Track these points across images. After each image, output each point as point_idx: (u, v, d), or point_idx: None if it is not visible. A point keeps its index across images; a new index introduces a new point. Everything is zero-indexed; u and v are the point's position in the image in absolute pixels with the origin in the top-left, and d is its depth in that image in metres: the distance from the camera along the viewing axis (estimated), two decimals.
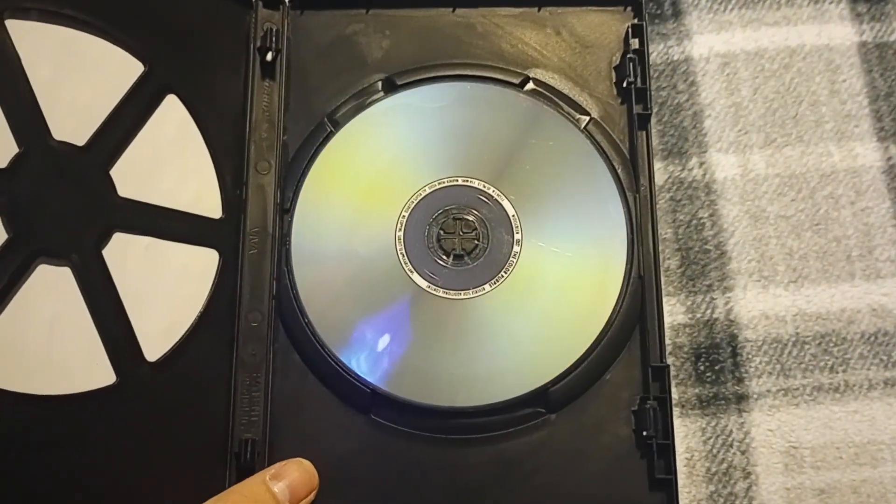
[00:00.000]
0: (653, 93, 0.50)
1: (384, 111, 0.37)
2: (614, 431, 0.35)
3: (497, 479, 0.34)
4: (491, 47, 0.38)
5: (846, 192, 0.48)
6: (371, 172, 0.36)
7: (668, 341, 0.46)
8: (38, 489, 0.28)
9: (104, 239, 0.30)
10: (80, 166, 0.30)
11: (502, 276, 0.35)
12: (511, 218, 0.36)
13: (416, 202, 0.36)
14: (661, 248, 0.47)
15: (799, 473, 0.44)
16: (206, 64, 0.35)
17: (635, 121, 0.37)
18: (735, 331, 0.46)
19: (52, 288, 0.29)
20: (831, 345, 0.46)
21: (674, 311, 0.47)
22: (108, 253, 0.30)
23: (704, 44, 0.51)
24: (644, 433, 0.34)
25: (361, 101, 0.37)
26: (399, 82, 0.37)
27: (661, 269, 0.44)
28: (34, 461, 0.28)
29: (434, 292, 0.35)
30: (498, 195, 0.36)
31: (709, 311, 0.47)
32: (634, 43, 0.38)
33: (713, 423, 0.45)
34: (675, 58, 0.51)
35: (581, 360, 0.35)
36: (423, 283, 0.35)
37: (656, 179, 0.49)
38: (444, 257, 0.35)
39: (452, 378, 0.34)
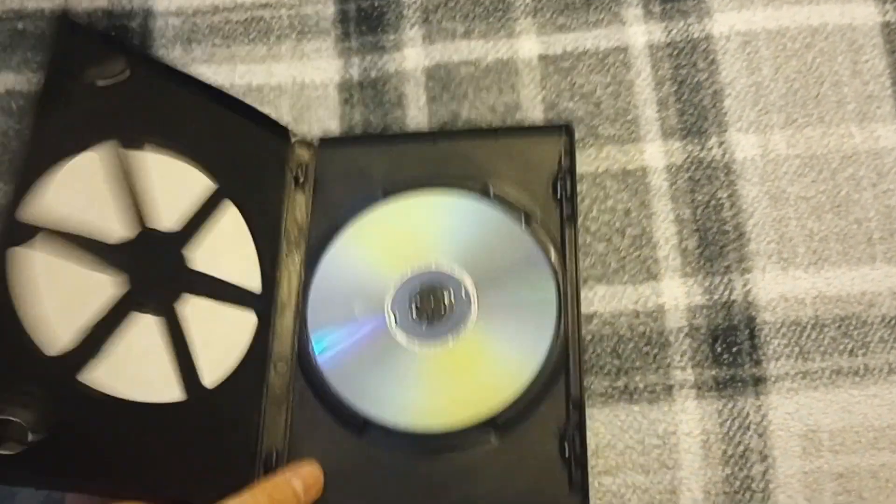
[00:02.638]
0: (672, 70, 0.50)
1: (380, 215, 0.49)
2: (544, 449, 0.43)
3: (457, 484, 0.43)
4: (461, 167, 0.49)
5: (868, 174, 0.47)
6: (368, 259, 0.48)
7: (685, 322, 0.45)
8: (121, 465, 0.39)
9: (179, 297, 0.42)
10: (167, 247, 0.42)
11: (461, 334, 0.45)
12: (469, 291, 0.46)
13: (402, 282, 0.47)
14: (679, 227, 0.47)
15: (817, 457, 0.43)
16: (256, 182, 0.48)
17: (564, 219, 0.46)
18: (753, 313, 0.45)
19: (145, 330, 0.41)
20: (851, 328, 0.45)
21: (691, 293, 0.46)
22: (182, 307, 0.42)
23: (725, 22, 0.50)
24: (566, 453, 0.42)
25: (363, 207, 0.49)
26: (391, 193, 0.49)
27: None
28: (123, 449, 0.38)
29: (411, 346, 0.46)
30: (460, 274, 0.46)
31: (727, 293, 0.46)
32: (566, 161, 0.48)
33: (730, 406, 0.44)
34: (695, 36, 0.50)
35: (521, 395, 0.44)
36: (404, 340, 0.46)
37: (675, 158, 0.48)
38: (420, 320, 0.46)
39: (425, 409, 0.45)
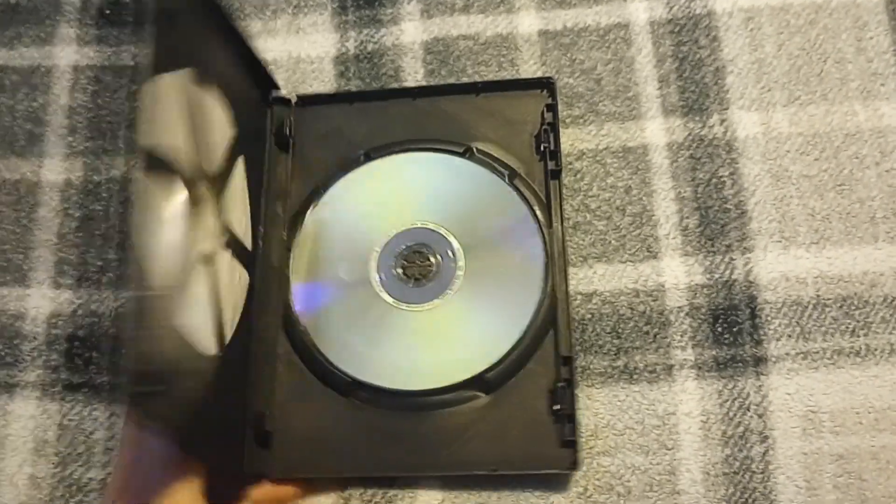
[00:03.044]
0: (674, 47, 0.49)
1: (363, 176, 0.48)
2: (534, 405, 0.43)
3: (446, 441, 0.43)
4: (442, 125, 0.49)
5: (871, 153, 0.47)
6: (352, 220, 0.48)
7: (685, 301, 0.45)
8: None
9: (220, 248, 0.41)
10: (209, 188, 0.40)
11: (448, 293, 0.45)
12: (455, 250, 0.46)
13: (386, 241, 0.47)
14: (679, 206, 0.46)
15: (817, 438, 0.43)
16: (245, 137, 0.45)
17: (549, 174, 0.46)
18: (754, 292, 0.45)
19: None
20: (853, 308, 0.44)
21: (692, 272, 0.45)
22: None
23: None
24: (555, 407, 0.42)
25: (346, 169, 0.48)
26: (374, 156, 0.49)
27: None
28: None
29: (398, 306, 0.46)
30: (446, 233, 0.46)
31: (728, 272, 0.45)
32: (549, 117, 0.47)
33: (730, 386, 0.44)
34: (698, 12, 0.50)
35: (509, 353, 0.43)
36: (391, 300, 0.46)
37: (676, 136, 0.48)
38: (406, 280, 0.46)
39: (412, 369, 0.44)
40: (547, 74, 0.49)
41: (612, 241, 0.46)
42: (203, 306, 0.39)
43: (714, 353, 0.44)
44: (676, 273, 0.45)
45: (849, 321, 0.44)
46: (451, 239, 0.46)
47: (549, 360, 0.43)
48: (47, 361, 0.47)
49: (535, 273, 0.45)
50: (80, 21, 0.53)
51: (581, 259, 0.46)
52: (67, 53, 0.52)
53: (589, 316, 0.45)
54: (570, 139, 0.48)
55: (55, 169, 0.50)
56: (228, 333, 0.42)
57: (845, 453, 0.42)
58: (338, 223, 0.47)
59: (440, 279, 0.46)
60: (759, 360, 0.44)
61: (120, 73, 0.52)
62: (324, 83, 0.51)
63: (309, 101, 0.50)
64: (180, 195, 0.37)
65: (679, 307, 0.45)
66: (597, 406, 0.44)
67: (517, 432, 0.43)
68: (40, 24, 0.53)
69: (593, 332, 0.45)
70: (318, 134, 0.49)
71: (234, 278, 0.43)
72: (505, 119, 0.48)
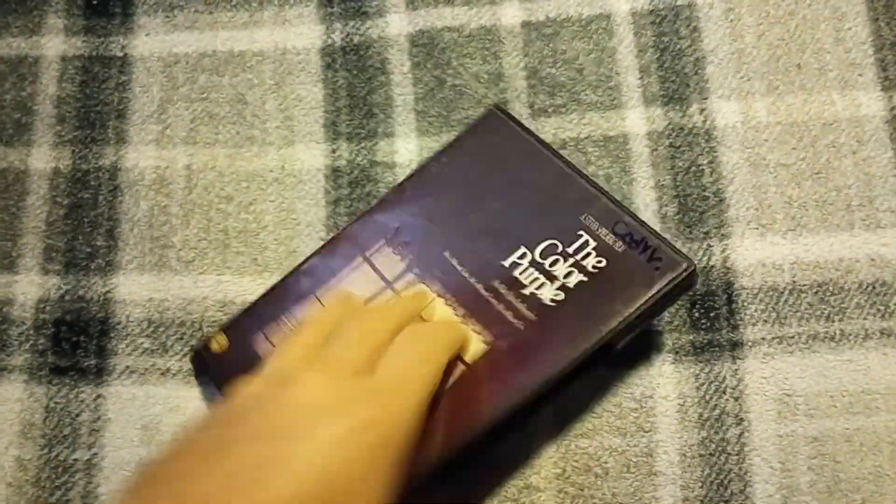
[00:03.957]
0: (655, 38, 0.50)
1: None
2: None
3: None
4: None
5: (848, 142, 0.47)
6: None
7: None
8: None
9: None
10: None
11: None
12: None
13: None
14: (659, 194, 0.47)
15: (792, 421, 0.43)
16: None
17: None
18: (731, 278, 0.46)
19: None
20: (828, 294, 0.45)
21: None
22: None
23: None
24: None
25: None
26: None
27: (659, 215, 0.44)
28: None
29: None
30: None
31: (705, 258, 0.46)
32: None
33: (706, 370, 0.44)
34: (678, 3, 0.50)
35: None
36: None
37: (656, 125, 0.48)
38: None
39: None
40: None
41: None
42: None
43: (691, 337, 0.45)
44: None
45: (824, 307, 0.45)
46: None
47: None
48: (34, 346, 0.48)
49: None
50: (67, 11, 0.54)
51: None
52: (55, 44, 0.53)
53: None
54: (552, 128, 0.49)
55: (43, 157, 0.51)
56: None
57: (819, 436, 0.43)
58: None
59: None
60: (736, 345, 0.45)
61: (108, 63, 0.53)
62: (311, 74, 0.52)
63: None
64: None
65: None
66: (574, 389, 0.44)
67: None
68: (27, 14, 0.54)
69: None
70: None
71: None
72: None
